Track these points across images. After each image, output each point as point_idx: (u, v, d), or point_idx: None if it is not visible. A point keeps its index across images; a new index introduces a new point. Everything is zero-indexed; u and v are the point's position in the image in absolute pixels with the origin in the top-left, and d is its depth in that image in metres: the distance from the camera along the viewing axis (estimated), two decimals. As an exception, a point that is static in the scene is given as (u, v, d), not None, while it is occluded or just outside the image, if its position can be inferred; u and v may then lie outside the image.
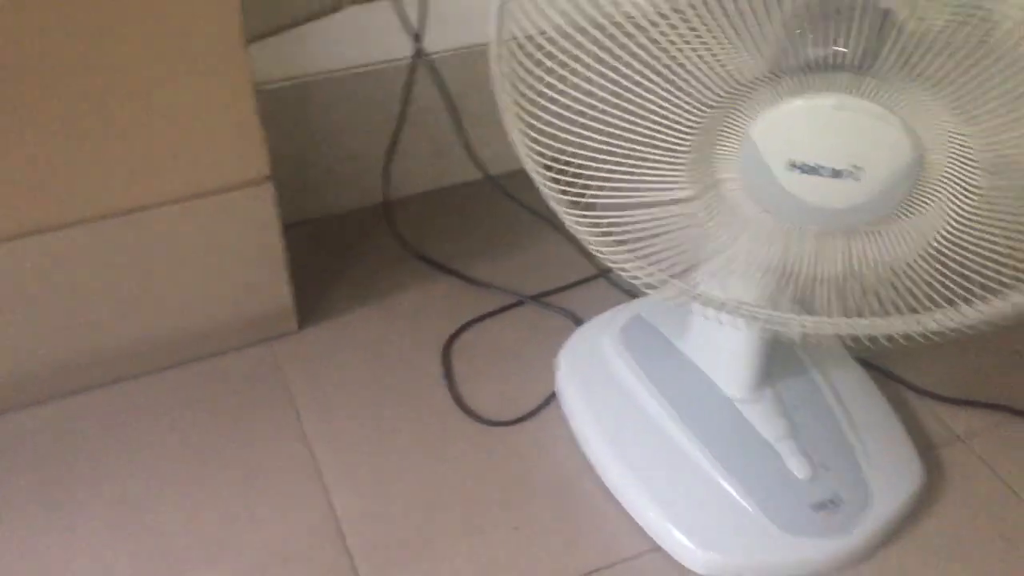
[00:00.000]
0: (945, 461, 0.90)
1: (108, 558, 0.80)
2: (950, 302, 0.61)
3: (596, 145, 0.56)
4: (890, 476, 0.83)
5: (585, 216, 0.62)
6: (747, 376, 0.85)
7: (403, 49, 1.07)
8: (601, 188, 0.59)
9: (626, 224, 0.61)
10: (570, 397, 0.91)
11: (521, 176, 1.15)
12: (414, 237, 1.12)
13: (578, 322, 1.00)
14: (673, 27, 0.50)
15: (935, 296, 0.60)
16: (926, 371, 0.98)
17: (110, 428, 0.90)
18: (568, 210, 0.62)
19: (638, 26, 0.51)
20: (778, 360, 0.88)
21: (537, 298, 1.05)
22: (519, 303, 1.05)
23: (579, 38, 0.55)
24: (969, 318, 0.60)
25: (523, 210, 1.16)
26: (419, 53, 1.06)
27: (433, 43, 1.07)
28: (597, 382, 0.90)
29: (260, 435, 0.90)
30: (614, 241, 0.63)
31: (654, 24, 0.50)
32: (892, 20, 0.52)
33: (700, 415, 0.85)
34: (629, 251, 0.63)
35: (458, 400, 0.94)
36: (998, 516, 0.85)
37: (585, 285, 1.07)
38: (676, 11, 0.51)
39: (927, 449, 0.90)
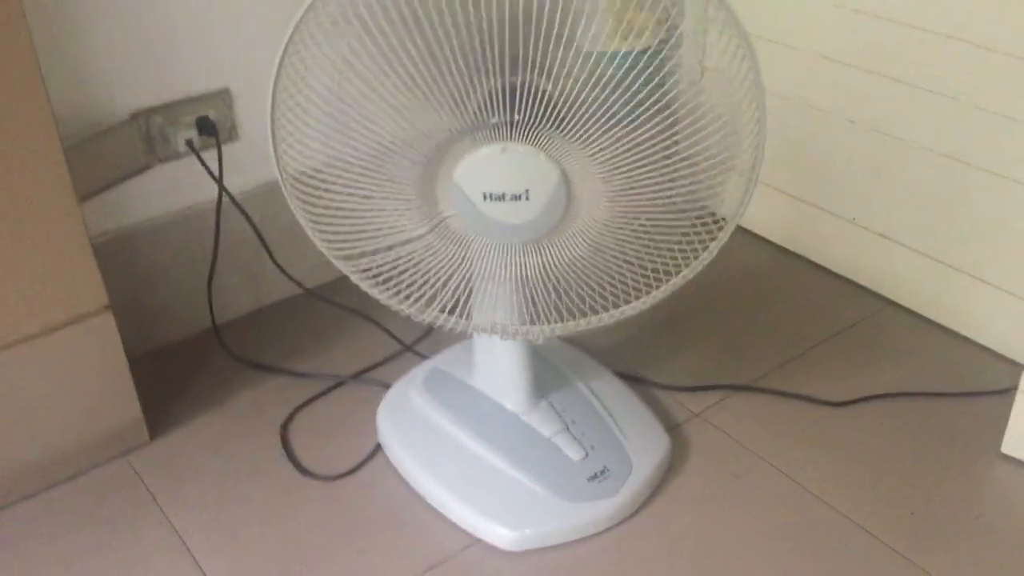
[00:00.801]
0: (687, 433, 1.14)
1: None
2: (624, 295, 0.86)
3: (352, 206, 0.79)
4: (644, 447, 1.06)
5: (358, 267, 0.84)
6: (523, 391, 1.06)
7: (209, 192, 1.27)
8: (360, 239, 0.81)
9: (383, 264, 0.83)
10: (391, 443, 1.10)
11: (328, 284, 1.37)
12: (243, 350, 1.30)
13: (389, 387, 1.20)
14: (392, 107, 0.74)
15: (612, 288, 0.85)
16: (666, 371, 1.23)
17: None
18: (343, 263, 0.83)
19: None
20: (549, 379, 1.10)
21: (356, 376, 1.24)
22: (340, 383, 1.24)
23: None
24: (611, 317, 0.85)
25: (335, 309, 1.36)
26: (223, 194, 1.27)
27: (234, 184, 1.28)
28: (410, 426, 1.10)
29: (131, 534, 1.03)
30: (381, 282, 0.84)
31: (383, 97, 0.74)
32: (547, 100, 0.78)
33: (493, 430, 1.06)
34: (395, 290, 0.84)
35: (298, 467, 1.11)
36: (730, 462, 1.10)
37: (394, 360, 1.27)
38: (389, 97, 0.75)
39: (673, 427, 1.14)
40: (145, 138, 1.20)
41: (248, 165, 1.30)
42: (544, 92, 0.76)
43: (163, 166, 1.24)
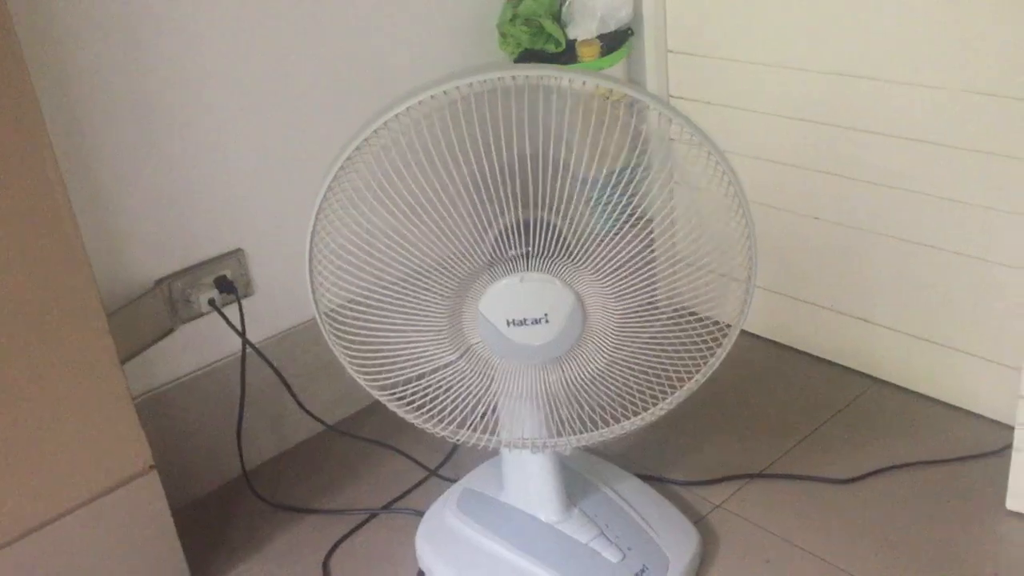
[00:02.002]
0: (713, 524, 1.20)
1: None
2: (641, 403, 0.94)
3: (385, 339, 0.87)
4: (676, 542, 1.12)
5: (394, 396, 0.91)
6: (555, 501, 1.12)
7: (230, 346, 1.35)
8: (394, 369, 0.89)
9: (417, 392, 0.90)
10: (434, 567, 1.14)
11: (348, 419, 1.43)
12: (274, 494, 1.35)
13: (422, 514, 1.25)
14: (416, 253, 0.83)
15: (631, 397, 0.93)
16: (682, 467, 1.29)
17: None
18: (380, 393, 0.91)
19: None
20: (576, 487, 1.16)
21: (387, 507, 1.29)
22: (373, 516, 1.29)
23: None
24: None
25: (358, 442, 1.42)
26: (246, 346, 1.34)
27: (253, 335, 1.36)
28: (451, 548, 1.15)
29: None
30: (415, 408, 0.91)
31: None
32: (556, 232, 0.87)
33: (532, 542, 1.11)
34: (429, 414, 0.92)
35: (343, 600, 1.15)
36: (758, 548, 1.15)
37: (421, 486, 1.33)
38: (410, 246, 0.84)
39: (699, 520, 1.20)
40: (168, 302, 1.28)
41: (265, 316, 1.38)
42: (553, 225, 0.85)
43: (186, 326, 1.31)
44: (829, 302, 1.47)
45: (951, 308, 1.33)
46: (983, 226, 1.25)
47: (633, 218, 0.87)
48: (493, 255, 0.87)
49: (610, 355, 0.91)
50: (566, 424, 0.95)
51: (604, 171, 0.88)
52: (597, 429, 0.98)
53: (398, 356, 0.90)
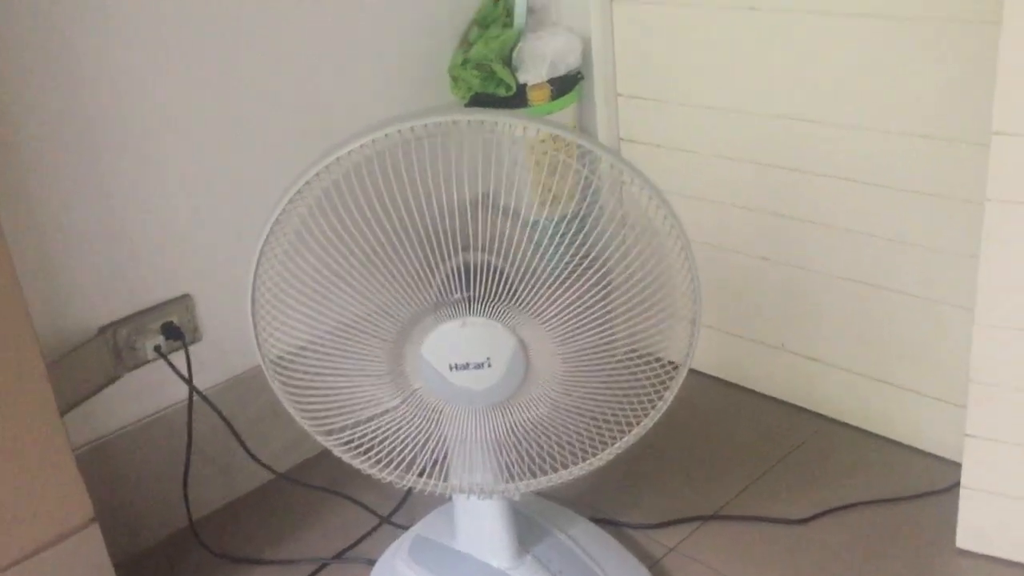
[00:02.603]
0: (668, 568, 1.19)
1: None
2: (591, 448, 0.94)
3: (329, 384, 0.86)
4: (629, 586, 1.11)
5: (339, 440, 0.90)
6: (508, 547, 1.11)
7: (177, 394, 1.32)
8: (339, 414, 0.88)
9: (364, 436, 0.89)
10: (382, 617, 1.12)
11: (297, 467, 1.40)
12: (221, 545, 1.32)
13: (374, 562, 1.23)
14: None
15: (580, 442, 0.93)
16: (635, 510, 1.29)
17: None
18: (325, 438, 0.89)
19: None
20: (529, 532, 1.15)
21: (339, 556, 1.27)
22: (324, 566, 1.26)
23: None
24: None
25: (308, 491, 1.40)
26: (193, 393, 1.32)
27: (200, 382, 1.33)
28: (400, 598, 1.13)
29: None
30: (362, 452, 0.90)
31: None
32: (501, 276, 0.87)
33: (482, 590, 1.09)
34: (375, 458, 0.90)
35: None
36: (711, 590, 1.15)
37: (373, 534, 1.31)
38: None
39: (654, 564, 1.19)
40: (113, 350, 1.25)
41: (213, 362, 1.36)
42: (495, 268, 0.85)
43: (131, 374, 1.29)
44: (779, 341, 1.48)
45: (899, 347, 1.34)
46: (927, 266, 1.27)
47: (582, 261, 0.87)
48: (438, 299, 0.87)
49: (554, 400, 0.91)
50: (514, 469, 0.95)
51: (554, 216, 0.88)
52: (546, 475, 0.98)
53: (343, 401, 0.89)
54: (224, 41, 1.28)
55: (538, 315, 0.87)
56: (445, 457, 0.95)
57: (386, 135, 0.82)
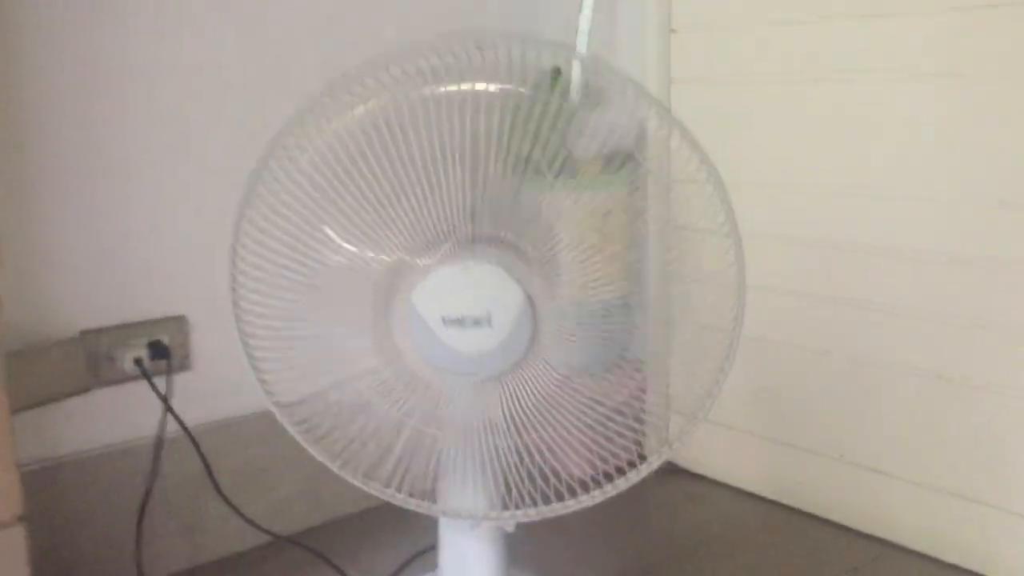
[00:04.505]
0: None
1: None
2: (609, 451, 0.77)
3: (298, 331, 0.72)
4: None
5: (296, 416, 0.75)
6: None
7: (152, 427, 1.18)
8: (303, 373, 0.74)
9: (332, 405, 0.74)
10: None
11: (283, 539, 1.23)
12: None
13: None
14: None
15: (591, 433, 0.76)
16: None
17: None
18: (282, 411, 0.75)
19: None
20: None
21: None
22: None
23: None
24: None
25: (288, 562, 1.21)
26: (164, 426, 1.18)
27: (185, 417, 1.19)
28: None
29: None
30: (324, 435, 0.75)
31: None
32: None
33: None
34: (344, 440, 0.75)
35: None
36: None
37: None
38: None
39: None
40: (89, 357, 1.13)
41: (199, 399, 1.23)
42: (506, 207, 0.73)
43: (106, 391, 1.16)
44: (837, 451, 1.30)
45: (976, 453, 1.15)
46: (1009, 354, 1.11)
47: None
48: (433, 237, 0.73)
49: (562, 380, 0.76)
50: (511, 477, 0.78)
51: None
52: (548, 503, 0.81)
53: (313, 352, 0.74)
54: (229, 49, 1.22)
55: (551, 266, 0.73)
56: (430, 460, 0.79)
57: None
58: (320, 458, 0.76)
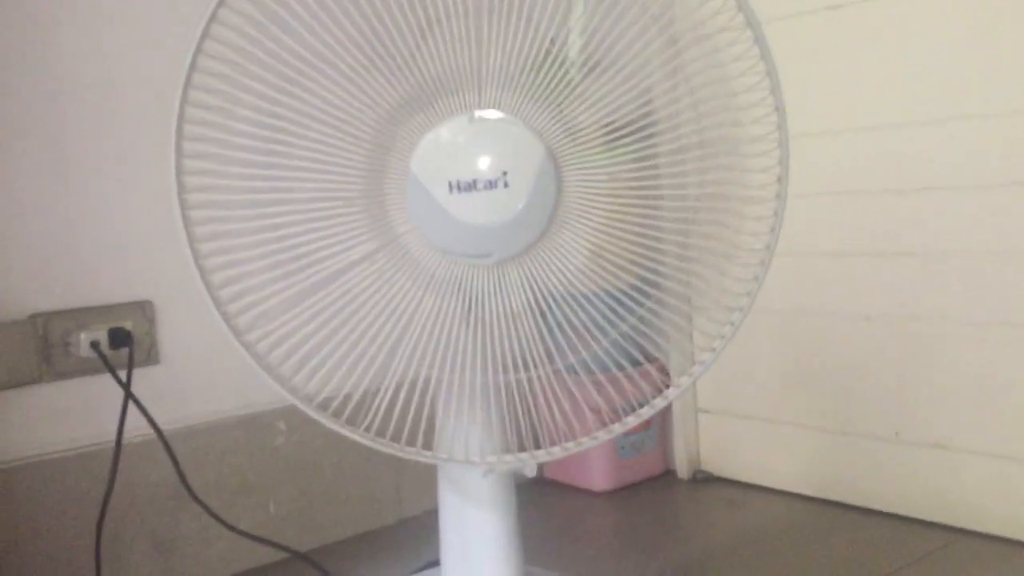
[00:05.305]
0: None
1: None
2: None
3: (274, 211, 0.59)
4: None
5: (263, 332, 0.61)
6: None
7: (113, 428, 1.03)
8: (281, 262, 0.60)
9: (316, 307, 0.61)
10: None
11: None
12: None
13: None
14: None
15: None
16: None
17: None
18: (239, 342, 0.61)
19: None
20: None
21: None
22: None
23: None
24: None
25: None
26: (121, 429, 1.03)
27: (158, 419, 1.04)
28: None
29: None
30: (311, 351, 0.61)
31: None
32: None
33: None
34: (336, 345, 0.61)
35: None
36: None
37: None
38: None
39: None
40: (41, 342, 0.99)
41: (168, 399, 1.08)
42: (521, 35, 0.61)
43: (63, 385, 1.02)
44: (892, 428, 1.15)
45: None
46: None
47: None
48: (436, 78, 0.61)
49: (595, 243, 0.62)
50: (536, 386, 0.63)
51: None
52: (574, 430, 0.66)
53: (289, 239, 0.61)
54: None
55: (580, 113, 0.61)
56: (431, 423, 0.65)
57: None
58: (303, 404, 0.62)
